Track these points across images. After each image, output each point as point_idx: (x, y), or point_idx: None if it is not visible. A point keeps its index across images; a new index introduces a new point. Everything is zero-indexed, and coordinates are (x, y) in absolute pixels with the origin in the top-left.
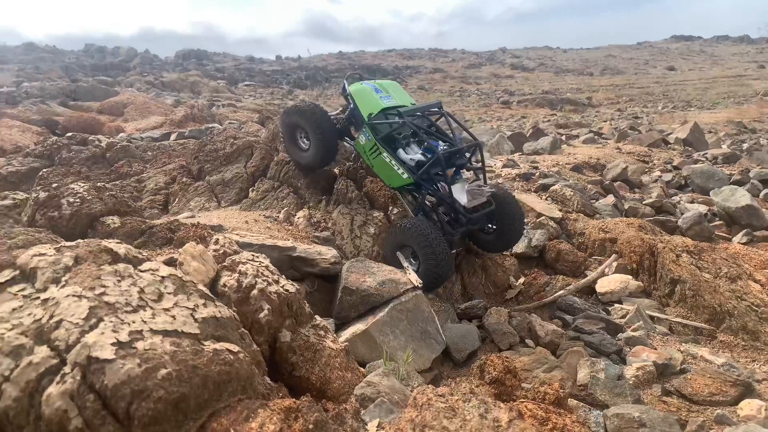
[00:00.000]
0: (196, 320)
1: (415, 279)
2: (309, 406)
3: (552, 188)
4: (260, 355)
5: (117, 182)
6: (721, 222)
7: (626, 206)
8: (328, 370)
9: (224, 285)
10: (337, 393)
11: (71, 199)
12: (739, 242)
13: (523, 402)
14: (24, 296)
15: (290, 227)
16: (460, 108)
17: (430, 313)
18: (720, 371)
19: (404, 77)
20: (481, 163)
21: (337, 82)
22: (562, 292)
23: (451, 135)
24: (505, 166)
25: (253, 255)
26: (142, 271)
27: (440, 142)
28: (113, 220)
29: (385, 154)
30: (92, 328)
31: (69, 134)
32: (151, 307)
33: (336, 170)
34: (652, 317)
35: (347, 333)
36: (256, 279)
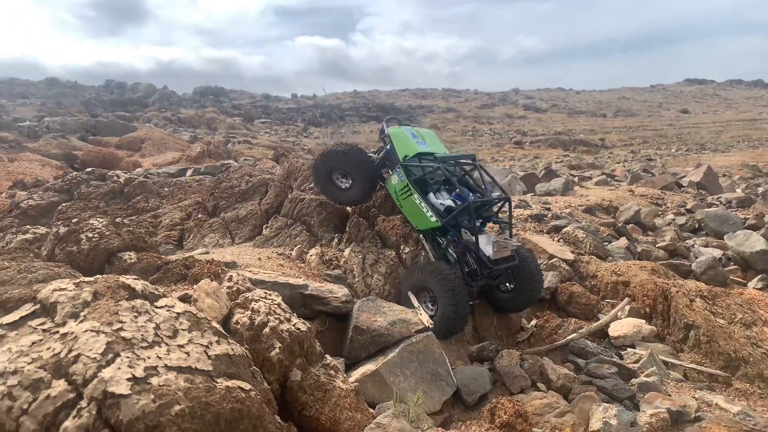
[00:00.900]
0: (209, 357)
1: (426, 319)
2: None
3: (564, 230)
4: (271, 394)
5: (134, 217)
6: (735, 267)
7: (639, 249)
8: (338, 410)
9: (237, 322)
10: None
11: (90, 234)
12: (754, 287)
13: None
14: (43, 330)
15: (303, 265)
16: (473, 147)
17: (441, 355)
18: (735, 420)
19: (417, 116)
20: (508, 218)
21: (351, 121)
22: (574, 335)
23: (483, 187)
24: (517, 206)
25: (265, 292)
26: (158, 308)
27: (470, 192)
28: (130, 256)
29: (415, 196)
30: (109, 363)
31: (88, 169)
32: (166, 344)
33: (349, 208)
34: (665, 363)
35: (357, 373)
36: (269, 317)
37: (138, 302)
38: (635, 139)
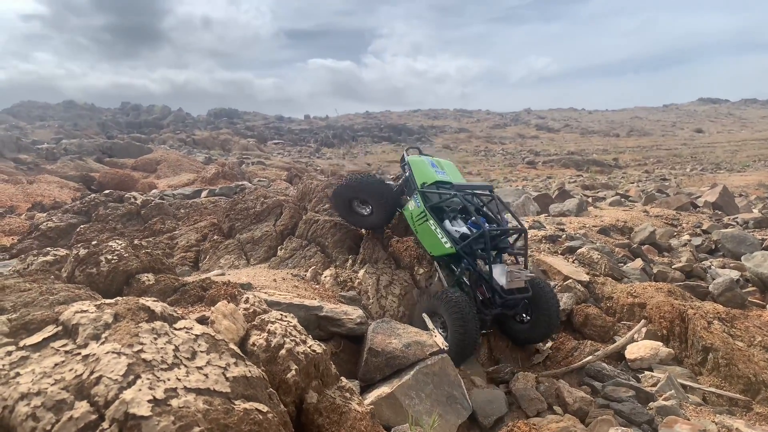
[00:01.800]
0: (227, 379)
1: (441, 342)
2: None
3: (579, 251)
4: (287, 416)
5: (150, 239)
6: (754, 288)
7: (655, 270)
8: None
9: (253, 344)
10: None
11: (109, 256)
12: None
13: None
14: (66, 352)
15: (317, 286)
16: (485, 168)
17: (456, 377)
18: None
19: (429, 136)
20: (524, 250)
21: (363, 141)
22: (590, 357)
23: (499, 218)
24: (531, 227)
25: (281, 314)
26: (177, 329)
27: (487, 222)
28: (148, 278)
29: (431, 222)
30: (130, 384)
31: (106, 192)
32: (185, 365)
33: (363, 230)
34: (684, 386)
35: (372, 395)
36: (285, 339)
37: (158, 324)
38: (649, 159)
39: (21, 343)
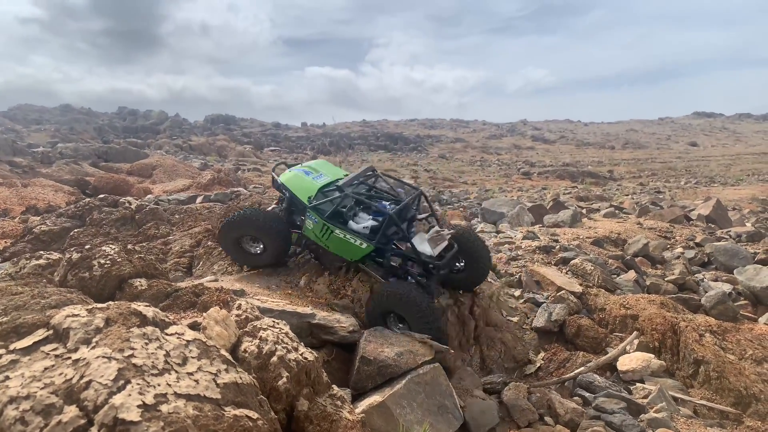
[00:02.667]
0: (218, 385)
1: (437, 345)
2: None
3: (572, 262)
4: (278, 423)
5: (144, 244)
6: (746, 302)
7: (648, 282)
8: None
9: (245, 350)
10: None
11: (102, 261)
12: (765, 323)
13: None
14: (56, 356)
15: (310, 293)
16: (480, 177)
17: (448, 387)
18: None
19: (425, 146)
20: (429, 209)
21: (360, 150)
22: (582, 369)
23: (393, 192)
24: (525, 237)
25: (273, 321)
26: (168, 335)
27: (385, 203)
28: (141, 283)
29: (337, 231)
30: (120, 389)
31: (101, 196)
32: (176, 371)
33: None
34: (675, 398)
35: (364, 404)
36: (276, 346)
37: (149, 329)
38: (644, 172)
39: (11, 347)
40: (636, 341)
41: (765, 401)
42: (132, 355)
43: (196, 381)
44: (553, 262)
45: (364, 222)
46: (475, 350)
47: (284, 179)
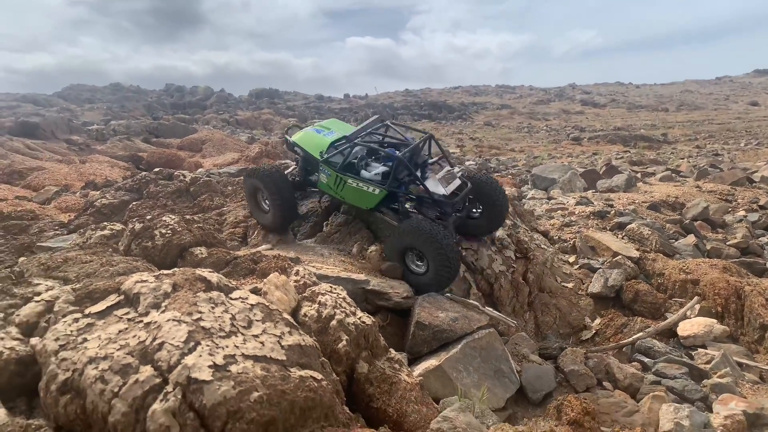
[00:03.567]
0: (282, 347)
1: (502, 316)
2: None
3: (629, 227)
4: (339, 385)
5: (200, 215)
6: None
7: (708, 247)
8: (404, 403)
9: (305, 315)
10: (413, 426)
11: (163, 231)
12: None
13: None
14: (128, 319)
15: (363, 261)
16: (528, 144)
17: (504, 352)
18: None
19: (470, 113)
20: (440, 152)
21: (404, 119)
22: (641, 334)
23: (403, 139)
24: (578, 203)
25: (331, 287)
26: (232, 299)
27: (395, 150)
28: (201, 251)
29: (350, 181)
30: (191, 351)
31: (156, 170)
32: (242, 333)
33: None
34: (740, 364)
35: (420, 368)
36: (335, 310)
37: (214, 294)
38: (700, 134)
39: (86, 311)
40: (697, 306)
41: None
42: (200, 319)
43: (262, 343)
44: (608, 228)
45: (376, 170)
46: (530, 316)
47: (296, 138)
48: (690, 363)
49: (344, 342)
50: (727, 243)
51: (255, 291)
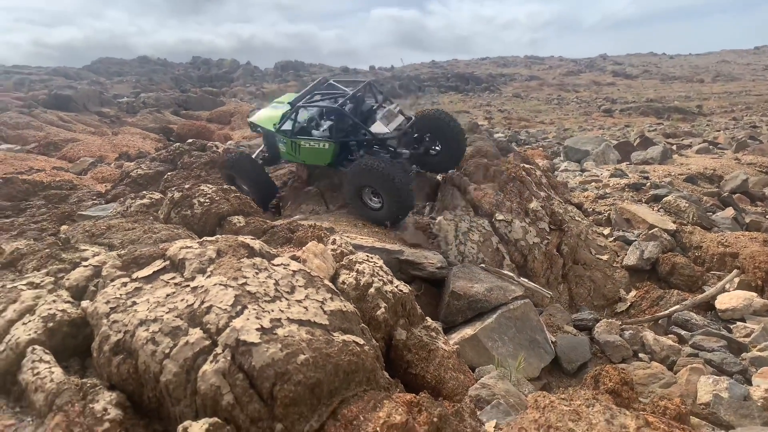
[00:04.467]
0: (325, 312)
1: (538, 287)
2: (430, 401)
3: (665, 199)
4: (379, 351)
5: (233, 185)
6: None
7: (747, 220)
8: (442, 370)
9: (343, 282)
10: (451, 393)
11: (202, 199)
12: None
13: (643, 414)
14: (175, 284)
15: (396, 231)
16: (558, 116)
17: (539, 322)
18: None
19: (498, 85)
20: (380, 93)
21: (430, 92)
22: (677, 306)
23: (349, 91)
24: (612, 175)
25: (367, 255)
26: (275, 265)
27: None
28: (239, 219)
29: (302, 142)
30: (238, 314)
31: (189, 141)
32: (286, 298)
33: (439, 177)
34: None
35: (455, 337)
36: (373, 278)
37: (257, 260)
38: (737, 105)
39: (133, 276)
40: (736, 279)
41: None
42: (245, 283)
43: (305, 308)
44: (643, 200)
45: (324, 127)
46: (564, 288)
47: (254, 118)
48: (728, 336)
49: (382, 309)
50: None
51: (294, 259)
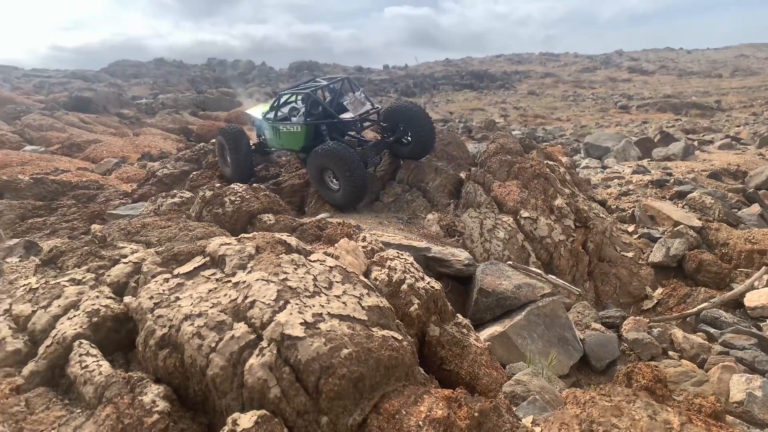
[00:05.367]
0: (363, 308)
1: (566, 284)
2: (469, 397)
3: (690, 195)
4: (414, 347)
5: (257, 185)
6: None
7: None
8: (476, 366)
9: (376, 279)
10: (486, 389)
11: (232, 198)
12: None
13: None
14: (216, 279)
15: (421, 229)
16: (574, 113)
17: (567, 320)
18: None
19: (513, 82)
20: (351, 84)
21: (445, 90)
22: (706, 304)
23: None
24: (635, 172)
25: (398, 252)
26: (312, 261)
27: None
28: (269, 217)
29: (281, 127)
30: (281, 309)
31: (213, 140)
32: (325, 294)
33: (462, 174)
34: None
35: (484, 334)
36: (405, 275)
37: (295, 256)
38: (756, 100)
39: (174, 272)
40: (765, 276)
41: None
42: (286, 279)
43: (344, 303)
44: (667, 197)
45: (300, 113)
46: (590, 285)
47: (249, 111)
48: (760, 334)
49: (416, 306)
50: None
51: (327, 255)
